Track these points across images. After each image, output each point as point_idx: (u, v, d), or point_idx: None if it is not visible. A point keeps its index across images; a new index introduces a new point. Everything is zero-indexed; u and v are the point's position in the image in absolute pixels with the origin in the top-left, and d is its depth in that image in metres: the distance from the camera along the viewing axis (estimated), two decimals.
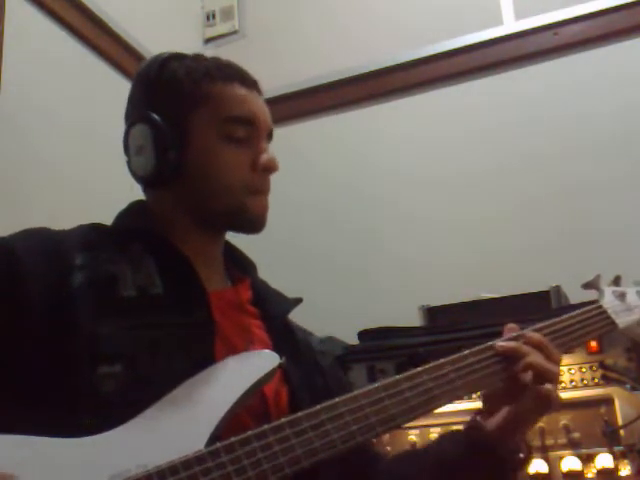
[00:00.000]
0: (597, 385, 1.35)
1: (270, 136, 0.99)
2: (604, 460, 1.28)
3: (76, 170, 1.81)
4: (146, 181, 0.96)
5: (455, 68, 2.21)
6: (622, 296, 1.05)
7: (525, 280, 1.64)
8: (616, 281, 1.10)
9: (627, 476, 1.26)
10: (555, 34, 2.11)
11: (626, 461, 1.27)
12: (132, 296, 0.83)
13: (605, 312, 1.00)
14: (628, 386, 1.32)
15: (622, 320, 1.01)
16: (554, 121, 2.07)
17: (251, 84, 0.97)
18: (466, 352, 0.85)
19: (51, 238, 0.87)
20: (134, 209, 0.99)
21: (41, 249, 0.83)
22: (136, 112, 0.96)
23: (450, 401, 0.81)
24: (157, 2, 2.33)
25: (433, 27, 2.27)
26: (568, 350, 0.94)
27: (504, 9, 2.19)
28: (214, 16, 2.59)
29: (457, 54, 2.21)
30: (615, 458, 1.28)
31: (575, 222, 1.97)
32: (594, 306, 1.01)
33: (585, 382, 1.36)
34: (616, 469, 1.27)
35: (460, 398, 0.83)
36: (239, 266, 1.04)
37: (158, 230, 0.94)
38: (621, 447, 1.28)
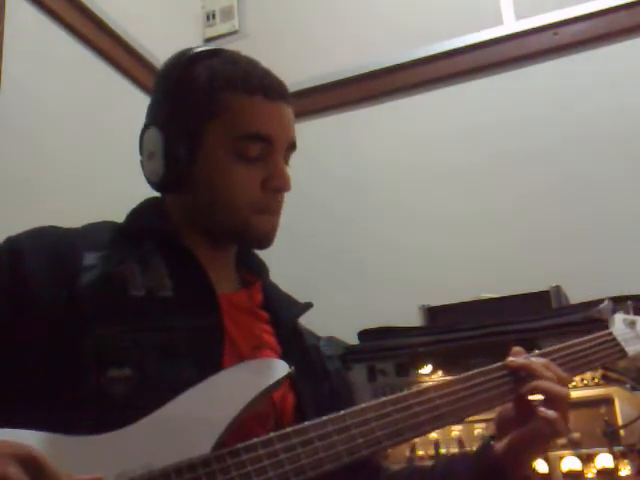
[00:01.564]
0: (597, 385, 1.35)
1: (292, 147, 0.95)
2: (604, 460, 1.28)
3: (76, 170, 1.81)
4: (155, 186, 0.95)
5: (455, 68, 2.21)
6: (632, 324, 1.05)
7: (525, 280, 1.64)
8: (627, 309, 1.10)
9: (627, 476, 1.26)
10: (555, 34, 2.10)
11: (626, 461, 1.27)
12: (141, 296, 0.82)
13: (615, 339, 1.00)
14: (628, 386, 1.32)
15: (632, 348, 1.01)
16: (554, 121, 2.07)
17: (276, 96, 0.91)
18: (475, 371, 0.85)
19: (59, 237, 0.86)
20: (147, 206, 0.97)
21: (48, 249, 0.82)
22: (153, 114, 0.95)
23: (458, 420, 0.81)
24: (157, 2, 2.33)
25: (433, 27, 2.27)
26: (576, 375, 0.94)
27: (504, 9, 2.19)
28: (214, 16, 2.58)
29: (457, 54, 2.21)
30: (615, 458, 1.28)
31: (575, 222, 1.97)
32: (604, 333, 1.01)
33: (585, 382, 1.36)
34: (616, 469, 1.27)
35: (468, 417, 0.83)
36: (251, 268, 1.03)
37: (170, 230, 0.93)
38: (621, 447, 1.28)
